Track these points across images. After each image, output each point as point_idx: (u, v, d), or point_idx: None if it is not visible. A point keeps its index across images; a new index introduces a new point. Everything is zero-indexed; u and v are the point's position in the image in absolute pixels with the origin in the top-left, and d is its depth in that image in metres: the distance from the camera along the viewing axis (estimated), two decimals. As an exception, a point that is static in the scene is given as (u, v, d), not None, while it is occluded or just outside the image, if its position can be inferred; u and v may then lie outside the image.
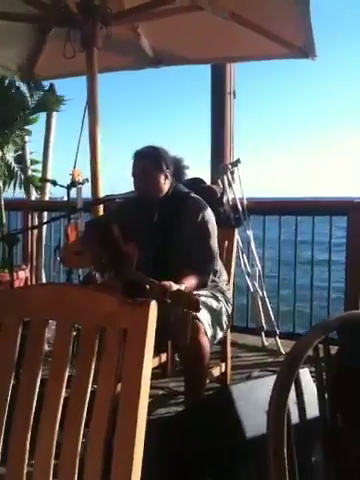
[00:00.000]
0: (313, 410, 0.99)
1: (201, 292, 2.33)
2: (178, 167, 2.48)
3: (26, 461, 1.02)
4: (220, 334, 2.33)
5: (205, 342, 2.13)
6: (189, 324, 1.93)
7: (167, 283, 2.03)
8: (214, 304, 2.33)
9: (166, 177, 2.40)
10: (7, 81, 4.41)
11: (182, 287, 2.08)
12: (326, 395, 0.98)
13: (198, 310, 1.88)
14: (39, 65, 3.63)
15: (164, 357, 2.75)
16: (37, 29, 3.42)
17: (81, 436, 0.98)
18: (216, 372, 2.61)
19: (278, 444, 0.85)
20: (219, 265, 2.51)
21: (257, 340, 3.58)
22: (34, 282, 4.49)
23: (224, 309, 2.40)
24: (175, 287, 2.03)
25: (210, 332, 2.19)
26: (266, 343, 3.56)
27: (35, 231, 4.52)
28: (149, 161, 2.38)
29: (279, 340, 3.48)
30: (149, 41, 3.42)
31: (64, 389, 1.01)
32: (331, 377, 0.99)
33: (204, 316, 2.19)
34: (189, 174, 2.60)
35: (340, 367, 1.00)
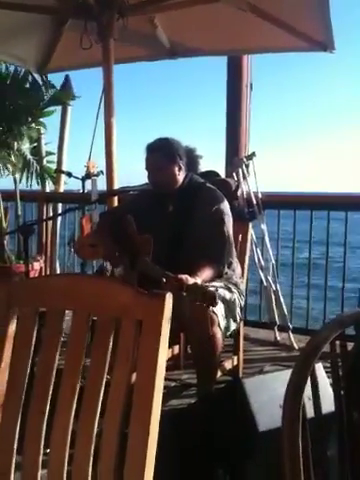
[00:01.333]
0: (326, 405, 0.98)
1: (215, 283, 2.33)
2: (191, 157, 2.46)
3: (42, 450, 1.03)
4: (233, 326, 2.33)
5: (218, 334, 2.13)
6: (206, 318, 1.93)
7: (183, 276, 2.02)
8: (227, 295, 2.33)
9: (180, 168, 2.39)
10: (22, 73, 4.42)
11: (198, 280, 2.08)
12: (342, 391, 0.98)
13: (214, 304, 1.88)
14: (55, 57, 3.64)
15: (177, 349, 2.76)
16: (54, 21, 3.42)
17: (96, 426, 0.99)
18: (228, 365, 2.61)
19: (293, 438, 0.85)
20: (234, 257, 2.50)
21: (270, 334, 3.57)
22: (49, 273, 4.53)
23: (237, 301, 2.39)
24: (191, 281, 2.02)
25: (223, 324, 2.19)
26: (279, 338, 3.55)
27: (50, 222, 4.54)
28: (162, 154, 2.38)
29: (292, 335, 3.47)
30: (166, 32, 3.40)
31: (79, 379, 1.02)
32: (347, 373, 0.99)
33: (218, 308, 2.18)
34: (203, 166, 2.59)
35: (356, 363, 0.99)
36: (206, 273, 2.21)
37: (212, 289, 2.13)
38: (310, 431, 0.91)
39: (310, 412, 0.92)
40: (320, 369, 1.67)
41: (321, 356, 0.92)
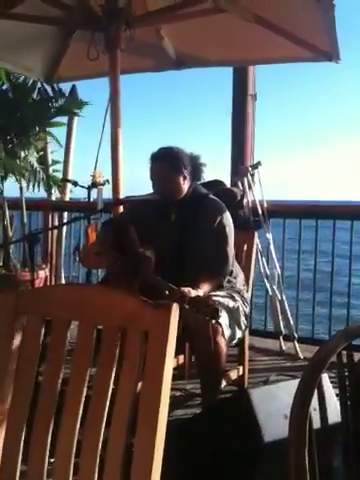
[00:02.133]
0: (332, 415, 0.98)
1: (218, 293, 2.33)
2: (195, 165, 2.45)
3: (47, 459, 1.03)
4: (239, 334, 2.33)
5: (222, 344, 2.13)
6: (210, 330, 1.93)
7: (186, 289, 2.04)
8: (231, 304, 2.33)
9: (184, 178, 2.39)
10: (31, 83, 4.46)
11: (200, 293, 2.09)
12: (349, 402, 0.98)
13: (216, 318, 1.88)
14: (62, 67, 3.67)
15: (181, 359, 2.75)
16: (61, 31, 3.46)
17: (102, 435, 0.98)
18: (233, 375, 2.60)
19: (300, 448, 0.85)
20: (235, 266, 2.51)
21: (275, 344, 3.56)
22: (53, 282, 4.53)
23: (241, 308, 2.39)
24: (193, 293, 2.03)
25: (228, 333, 2.19)
26: (284, 347, 3.53)
27: (55, 231, 4.56)
28: (166, 164, 2.38)
29: (297, 345, 3.45)
30: (172, 43, 3.43)
31: (85, 388, 1.02)
32: (354, 384, 0.98)
33: (222, 317, 2.18)
34: (208, 175, 2.58)
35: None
36: (207, 285, 2.22)
37: (214, 301, 2.14)
38: (316, 441, 0.90)
39: (316, 422, 0.92)
40: (326, 380, 1.66)
41: (328, 366, 0.92)
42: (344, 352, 0.97)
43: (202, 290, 2.14)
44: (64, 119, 4.73)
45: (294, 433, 0.85)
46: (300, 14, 2.93)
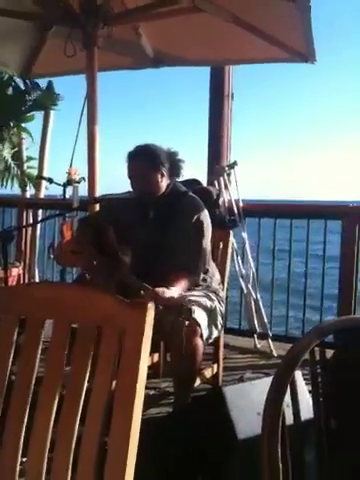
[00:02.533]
0: (304, 412, 1.00)
1: (194, 292, 2.34)
2: (173, 160, 2.43)
3: (19, 459, 1.02)
4: (215, 333, 2.34)
5: (199, 345, 2.14)
6: (187, 331, 1.93)
7: (160, 289, 2.04)
8: (208, 303, 2.34)
9: (162, 175, 2.38)
10: (5, 78, 4.40)
11: (174, 292, 2.09)
12: (321, 398, 0.99)
13: (190, 319, 1.89)
14: (38, 63, 3.63)
15: (156, 357, 2.76)
16: (38, 27, 3.42)
17: (75, 433, 0.98)
18: (208, 373, 2.61)
19: (272, 443, 0.86)
20: (211, 265, 2.52)
21: (249, 342, 3.59)
22: (27, 280, 4.48)
23: (218, 308, 2.41)
24: (168, 294, 2.04)
25: (206, 333, 2.20)
26: (259, 345, 3.57)
27: (29, 228, 4.51)
28: (143, 161, 2.37)
29: (272, 342, 3.49)
30: (150, 41, 3.43)
31: (59, 387, 1.02)
32: (326, 380, 1.00)
33: (201, 318, 2.19)
34: (185, 174, 2.58)
35: (336, 371, 1.01)
36: (182, 284, 2.22)
37: (188, 301, 2.15)
38: (289, 437, 0.92)
39: (289, 418, 0.93)
40: (299, 376, 1.69)
41: (301, 364, 0.94)
42: (317, 349, 0.99)
43: (177, 288, 2.15)
44: (38, 113, 4.69)
45: (267, 429, 0.87)
46: (277, 15, 2.96)
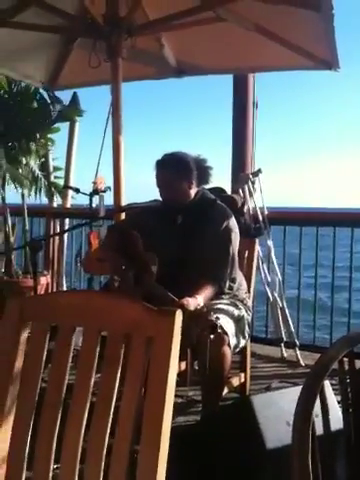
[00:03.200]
0: (334, 422, 0.99)
1: (222, 301, 2.34)
2: (202, 168, 2.43)
3: (52, 465, 1.04)
4: (242, 342, 2.34)
5: (227, 354, 2.13)
6: (207, 348, 1.93)
7: (185, 301, 2.05)
8: (236, 312, 2.33)
9: (191, 183, 2.38)
10: (32, 90, 4.49)
11: (200, 302, 2.09)
12: (350, 409, 0.98)
13: (214, 333, 1.89)
14: (63, 74, 3.70)
15: (183, 365, 2.75)
16: (62, 39, 3.49)
17: (106, 441, 0.99)
18: (235, 382, 2.60)
19: (303, 455, 0.85)
20: (238, 274, 2.51)
21: (276, 351, 3.56)
22: (55, 288, 4.54)
23: (245, 317, 2.40)
24: (193, 304, 2.04)
25: (234, 342, 2.19)
26: (285, 354, 3.53)
27: (57, 238, 4.57)
28: (171, 170, 2.37)
29: (299, 351, 3.46)
30: (172, 51, 3.45)
31: (90, 394, 1.03)
32: (355, 390, 0.99)
33: (229, 326, 2.19)
34: (212, 179, 2.56)
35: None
36: (207, 292, 2.23)
37: (215, 311, 2.14)
38: (319, 448, 0.91)
39: (318, 429, 0.93)
40: (328, 387, 1.67)
41: (329, 374, 0.93)
42: (345, 359, 0.98)
43: (202, 296, 2.15)
44: (63, 124, 4.76)
45: (297, 440, 0.86)
46: (300, 23, 2.95)
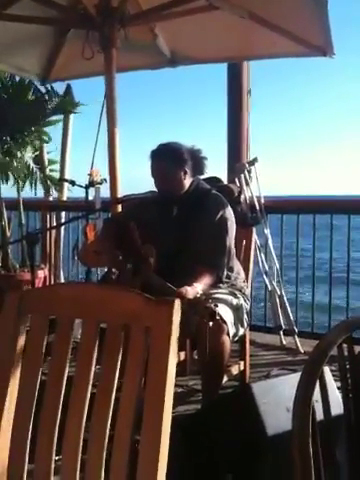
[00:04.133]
0: (334, 408, 0.99)
1: (220, 290, 2.35)
2: (197, 158, 2.43)
3: (54, 457, 1.04)
4: (241, 331, 2.35)
5: (226, 343, 2.14)
6: (207, 336, 1.94)
7: (183, 290, 2.05)
8: (234, 301, 2.34)
9: (185, 173, 2.38)
10: (26, 83, 4.46)
11: (198, 290, 2.10)
12: (350, 394, 0.99)
13: (214, 320, 1.90)
14: (57, 66, 3.67)
15: (182, 355, 2.77)
16: (55, 31, 3.46)
17: (107, 431, 1.00)
18: (235, 370, 2.62)
19: (303, 441, 0.86)
20: (236, 263, 2.52)
21: (275, 339, 3.58)
22: (53, 281, 4.54)
23: (244, 306, 2.41)
24: (192, 293, 2.05)
25: (233, 331, 2.20)
26: (284, 342, 3.55)
27: (53, 231, 4.56)
28: (166, 160, 2.37)
29: (298, 339, 3.47)
30: (166, 41, 3.43)
31: (90, 386, 1.03)
32: (355, 375, 1.00)
33: (227, 315, 2.20)
34: (207, 169, 2.56)
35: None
36: (205, 280, 2.23)
37: (214, 300, 2.15)
38: (319, 433, 0.92)
39: (319, 414, 0.93)
40: (327, 372, 1.68)
41: (328, 360, 0.93)
42: (344, 345, 0.98)
43: (200, 284, 2.15)
44: (59, 117, 4.74)
45: (298, 425, 0.87)
46: (293, 9, 2.94)
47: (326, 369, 1.66)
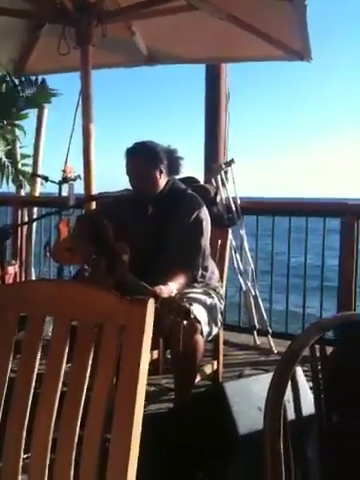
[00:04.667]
0: (306, 408, 1.00)
1: (194, 290, 2.35)
2: (172, 159, 2.42)
3: (22, 455, 1.02)
4: (215, 330, 2.35)
5: (200, 342, 2.14)
6: (180, 335, 1.93)
7: (158, 289, 2.04)
8: (208, 301, 2.35)
9: (161, 172, 2.38)
10: None
11: (173, 289, 2.09)
12: (322, 394, 1.00)
13: (188, 319, 1.89)
14: (31, 60, 3.61)
15: (155, 354, 2.76)
16: (30, 25, 3.40)
17: (77, 430, 0.98)
18: (208, 370, 2.62)
19: (274, 440, 0.86)
20: (210, 263, 2.52)
21: (249, 339, 3.60)
22: (23, 278, 4.47)
23: (218, 305, 2.41)
24: (166, 292, 2.04)
25: (206, 330, 2.21)
26: (258, 342, 3.57)
27: (25, 226, 4.49)
28: (142, 158, 2.36)
29: (271, 339, 3.50)
30: (144, 39, 3.41)
31: (60, 384, 1.01)
32: (326, 376, 1.01)
33: (201, 315, 2.20)
34: (183, 170, 2.56)
35: (335, 366, 1.01)
36: (180, 279, 2.23)
37: (188, 299, 2.15)
38: (291, 432, 0.92)
39: (290, 414, 0.94)
40: (300, 373, 1.69)
41: (301, 360, 0.94)
42: (317, 346, 0.99)
43: (175, 284, 2.15)
44: (30, 111, 4.67)
45: (269, 425, 0.87)
46: (272, 13, 2.95)
47: (298, 369, 1.68)
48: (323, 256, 3.68)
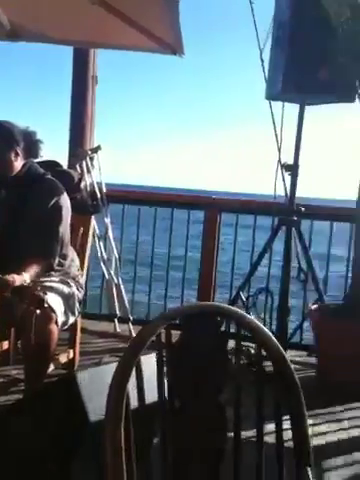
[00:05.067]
0: (154, 394, 1.04)
1: (51, 278, 2.30)
2: (31, 141, 2.34)
3: None
4: (71, 320, 2.33)
5: (54, 331, 2.10)
6: (32, 323, 1.88)
7: (10, 277, 1.96)
8: (66, 290, 2.31)
9: (17, 154, 2.29)
10: None
11: (27, 278, 2.03)
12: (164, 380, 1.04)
13: (41, 307, 1.85)
14: None
15: (6, 345, 2.66)
16: None
17: None
18: (63, 358, 2.59)
19: (115, 425, 0.88)
20: (70, 251, 2.48)
21: (110, 326, 3.62)
22: None
23: (76, 294, 2.38)
24: (18, 281, 1.97)
25: (62, 319, 2.17)
26: (119, 329, 3.61)
27: None
28: None
29: (132, 326, 3.56)
30: (6, 12, 3.21)
31: None
32: (171, 363, 1.05)
33: (57, 304, 2.16)
34: (45, 154, 2.48)
35: (180, 353, 1.06)
36: (35, 269, 2.15)
37: (42, 287, 2.10)
38: (135, 420, 0.95)
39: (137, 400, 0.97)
40: (152, 359, 1.74)
41: (151, 347, 0.98)
42: (163, 333, 1.03)
43: (29, 274, 2.07)
44: None
45: (111, 411, 0.89)
46: (147, 5, 2.96)
47: (151, 356, 1.74)
48: (186, 246, 3.84)
